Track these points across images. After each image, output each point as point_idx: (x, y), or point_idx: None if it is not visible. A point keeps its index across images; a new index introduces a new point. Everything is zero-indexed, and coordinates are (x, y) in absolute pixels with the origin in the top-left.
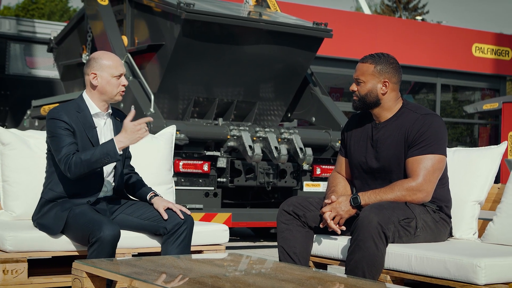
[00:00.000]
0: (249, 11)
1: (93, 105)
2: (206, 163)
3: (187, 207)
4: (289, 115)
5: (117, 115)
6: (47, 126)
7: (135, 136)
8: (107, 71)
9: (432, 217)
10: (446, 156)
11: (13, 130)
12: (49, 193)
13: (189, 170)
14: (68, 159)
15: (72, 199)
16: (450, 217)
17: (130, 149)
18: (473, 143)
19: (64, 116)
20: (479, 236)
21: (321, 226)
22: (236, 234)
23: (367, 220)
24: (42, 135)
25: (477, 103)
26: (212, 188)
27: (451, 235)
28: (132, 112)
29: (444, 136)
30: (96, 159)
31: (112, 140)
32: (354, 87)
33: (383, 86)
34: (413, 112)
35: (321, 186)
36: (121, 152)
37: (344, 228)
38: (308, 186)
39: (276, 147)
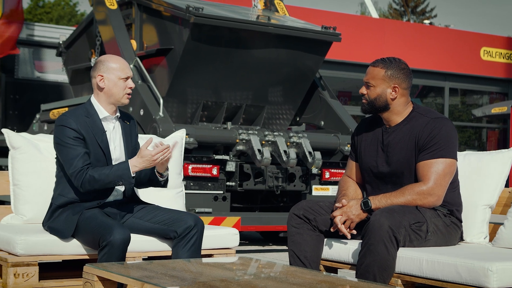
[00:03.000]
0: (257, 15)
1: (102, 109)
2: (215, 167)
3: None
4: (297, 119)
5: (125, 118)
6: (55, 132)
7: (149, 163)
8: (114, 73)
9: (443, 221)
10: (457, 160)
11: (24, 134)
12: (60, 198)
13: (198, 174)
14: (81, 175)
15: (82, 203)
16: (461, 221)
17: None
18: (482, 147)
19: (72, 123)
20: (490, 240)
21: (331, 230)
22: (245, 238)
23: (378, 224)
24: (52, 138)
25: (486, 106)
26: (221, 192)
27: (462, 239)
28: (150, 140)
29: (454, 140)
30: (109, 181)
31: (127, 163)
32: (363, 90)
33: (392, 91)
34: (423, 116)
35: (330, 190)
36: (134, 175)
37: (354, 232)
38: (317, 190)
39: (285, 151)
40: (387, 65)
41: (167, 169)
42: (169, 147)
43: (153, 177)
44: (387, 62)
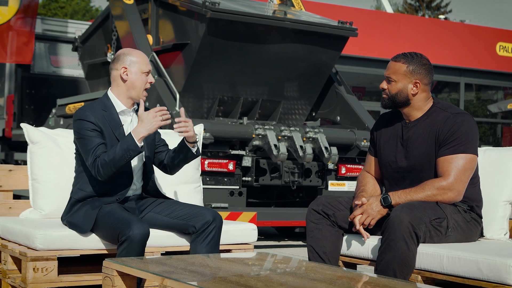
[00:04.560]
0: (274, 9)
1: (119, 102)
2: (231, 162)
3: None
4: (313, 114)
5: None
6: (74, 127)
7: (152, 124)
8: (137, 66)
9: (463, 217)
10: (477, 156)
11: (42, 128)
12: (79, 193)
13: (214, 169)
14: (95, 163)
15: (101, 198)
16: (481, 217)
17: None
18: (496, 143)
19: (90, 116)
20: (511, 236)
21: (353, 230)
22: (260, 233)
23: (398, 220)
24: (70, 133)
25: (501, 102)
26: (237, 187)
27: (482, 235)
28: (142, 102)
29: (475, 136)
30: (119, 157)
31: (129, 134)
32: (384, 85)
33: (414, 86)
34: (444, 111)
35: (346, 186)
36: (142, 144)
37: (368, 236)
38: (333, 186)
39: (301, 146)
40: (409, 60)
41: (196, 136)
42: (164, 108)
43: (184, 149)
44: (408, 57)
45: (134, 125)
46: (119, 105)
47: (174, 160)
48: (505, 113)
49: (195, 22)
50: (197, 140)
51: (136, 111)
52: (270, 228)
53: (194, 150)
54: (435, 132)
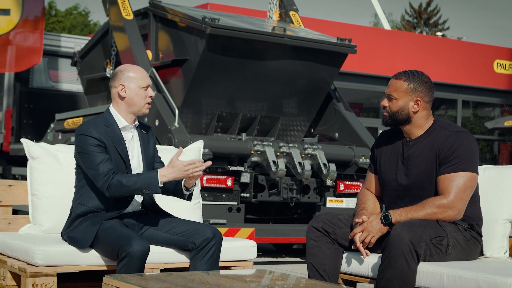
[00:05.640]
0: (273, 26)
1: (121, 118)
2: (230, 178)
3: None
4: (312, 130)
5: (143, 128)
6: (77, 142)
7: (180, 174)
8: (135, 82)
9: (463, 235)
10: (478, 174)
11: (42, 144)
12: (80, 207)
13: (212, 185)
14: (108, 179)
15: (102, 213)
16: (481, 236)
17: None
18: (494, 160)
19: (93, 132)
20: (510, 255)
21: (352, 247)
22: (258, 249)
23: (399, 238)
24: (71, 149)
25: (498, 119)
26: (236, 203)
27: (482, 253)
28: (180, 149)
29: (476, 154)
30: (136, 188)
31: (156, 172)
32: (385, 102)
33: (415, 104)
34: (444, 129)
35: (344, 202)
36: (162, 185)
37: (369, 254)
38: (332, 202)
39: (300, 163)
40: (410, 78)
41: (195, 184)
42: (202, 161)
43: (179, 188)
44: (410, 75)
45: (135, 141)
46: (121, 121)
47: (165, 186)
48: (502, 130)
49: (194, 38)
50: (193, 189)
51: (137, 127)
52: (268, 245)
53: (187, 193)
54: (435, 150)
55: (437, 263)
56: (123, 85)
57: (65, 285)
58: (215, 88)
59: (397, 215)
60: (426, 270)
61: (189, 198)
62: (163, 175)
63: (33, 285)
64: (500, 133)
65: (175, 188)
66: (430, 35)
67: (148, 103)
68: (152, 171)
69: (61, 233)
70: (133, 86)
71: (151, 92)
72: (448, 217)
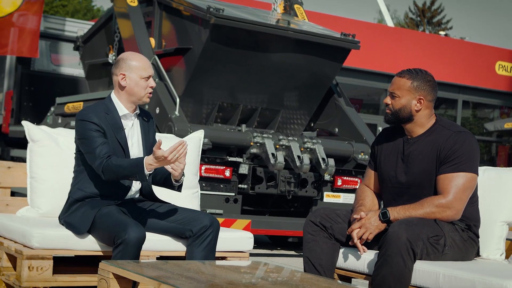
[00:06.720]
0: (277, 18)
1: (122, 106)
2: (228, 169)
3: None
4: (312, 124)
5: (144, 116)
6: (77, 127)
7: (164, 163)
8: (136, 72)
9: (461, 235)
10: (478, 175)
11: (43, 127)
12: (78, 192)
13: (211, 175)
14: (102, 161)
15: (100, 199)
16: (478, 237)
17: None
18: (491, 161)
19: (93, 118)
20: (507, 257)
21: (350, 243)
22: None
23: (396, 236)
24: (71, 133)
25: (498, 121)
26: (233, 194)
27: (478, 254)
28: (159, 142)
29: (476, 155)
30: (124, 175)
31: (142, 162)
32: (388, 100)
33: (417, 103)
34: (446, 129)
35: (342, 197)
36: (149, 172)
37: (366, 251)
38: (329, 197)
39: (298, 156)
40: (414, 76)
41: (183, 175)
42: (184, 142)
43: (169, 180)
44: (413, 73)
45: (135, 129)
46: (121, 109)
47: (156, 178)
48: (501, 132)
49: (198, 28)
50: (182, 180)
51: (138, 115)
52: (263, 237)
53: (176, 184)
54: (436, 150)
55: (433, 262)
56: (124, 75)
57: (61, 268)
58: (217, 78)
59: (395, 212)
60: (422, 269)
61: (179, 189)
62: (149, 164)
63: (29, 267)
64: (499, 135)
65: (165, 180)
66: (433, 34)
67: (150, 93)
68: (139, 158)
69: (59, 217)
70: (134, 76)
71: (152, 83)
72: (446, 217)
